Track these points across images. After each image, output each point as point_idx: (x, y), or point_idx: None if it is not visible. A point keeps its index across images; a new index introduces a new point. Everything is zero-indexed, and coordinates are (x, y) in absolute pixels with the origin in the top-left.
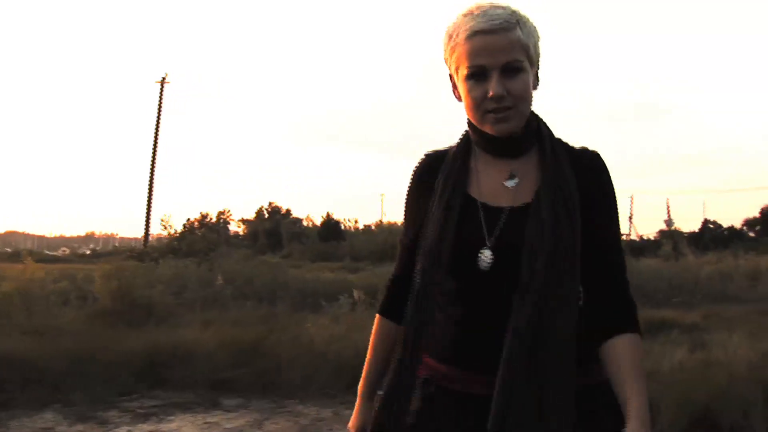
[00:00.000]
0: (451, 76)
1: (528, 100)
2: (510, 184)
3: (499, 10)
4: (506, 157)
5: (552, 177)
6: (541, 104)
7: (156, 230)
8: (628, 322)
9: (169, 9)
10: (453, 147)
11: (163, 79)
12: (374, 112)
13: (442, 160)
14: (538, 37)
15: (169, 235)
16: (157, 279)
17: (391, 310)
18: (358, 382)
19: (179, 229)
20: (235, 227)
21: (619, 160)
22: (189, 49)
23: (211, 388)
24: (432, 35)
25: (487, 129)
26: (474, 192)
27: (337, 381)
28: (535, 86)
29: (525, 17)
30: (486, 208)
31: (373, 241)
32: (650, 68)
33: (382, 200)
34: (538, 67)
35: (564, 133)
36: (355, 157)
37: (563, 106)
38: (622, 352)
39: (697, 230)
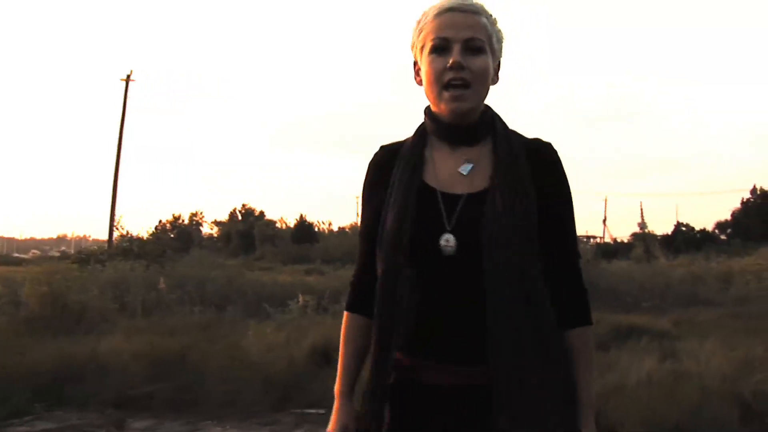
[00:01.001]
0: (415, 63)
1: (485, 83)
2: (465, 170)
3: (470, 0)
4: (462, 145)
5: (505, 163)
6: (517, 105)
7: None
8: (581, 314)
9: (137, 4)
10: (408, 139)
11: (128, 76)
12: (348, 115)
13: (397, 152)
14: (502, 37)
15: (122, 236)
16: (95, 283)
17: (357, 304)
18: (288, 398)
19: (139, 231)
20: (208, 229)
21: (593, 162)
22: (157, 47)
23: (119, 407)
24: (403, 38)
25: (443, 108)
26: (431, 180)
27: (265, 397)
28: (494, 81)
29: (491, 14)
30: (444, 195)
31: (346, 243)
32: (625, 71)
33: (356, 202)
34: (498, 64)
35: (538, 134)
36: (330, 160)
37: (537, 108)
38: (574, 346)
39: (669, 233)
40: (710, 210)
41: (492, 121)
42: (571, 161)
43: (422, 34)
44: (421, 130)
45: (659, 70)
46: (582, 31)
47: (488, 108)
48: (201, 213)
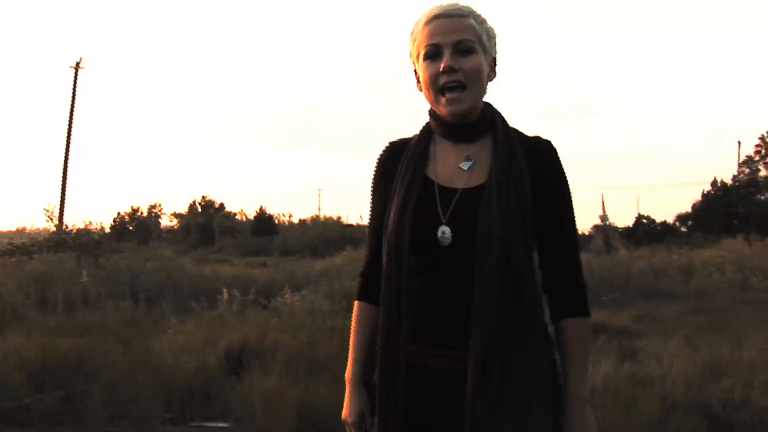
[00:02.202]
0: (415, 71)
1: (480, 81)
2: (465, 166)
3: (455, 4)
4: (462, 142)
5: (503, 160)
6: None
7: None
8: (574, 305)
9: None
10: (415, 135)
11: (78, 64)
12: (310, 107)
13: (404, 148)
14: (494, 34)
15: (56, 227)
16: (12, 277)
17: (366, 293)
18: (190, 410)
19: (91, 223)
20: (168, 221)
21: None
22: (113, 38)
23: None
24: (365, 29)
25: (442, 110)
26: (432, 175)
27: (163, 408)
28: (491, 77)
29: (479, 14)
30: (442, 189)
31: (307, 235)
32: (585, 67)
33: (319, 195)
34: (493, 60)
35: None
36: (293, 152)
37: (498, 103)
38: (568, 337)
39: (630, 225)
40: (671, 202)
41: (492, 118)
42: None
43: (416, 43)
44: (426, 128)
45: (619, 66)
46: (545, 33)
47: (489, 106)
48: (160, 205)
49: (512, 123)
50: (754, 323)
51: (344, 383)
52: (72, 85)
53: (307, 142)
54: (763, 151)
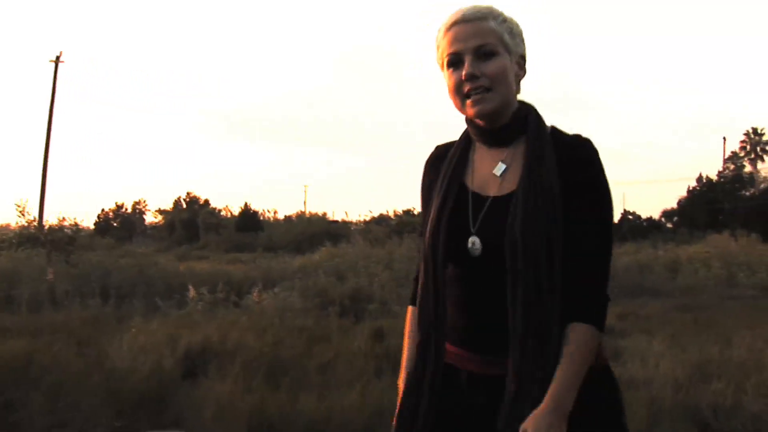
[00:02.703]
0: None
1: (504, 82)
2: (498, 171)
3: (474, 7)
4: (496, 146)
5: (532, 167)
6: None
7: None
8: (583, 312)
9: None
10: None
11: (58, 57)
12: (295, 102)
13: (447, 152)
14: (518, 30)
15: (29, 223)
16: None
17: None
18: (140, 418)
19: (74, 218)
20: (152, 218)
21: None
22: (91, 29)
23: None
24: (349, 22)
25: (469, 113)
26: (469, 182)
27: (110, 416)
28: (520, 75)
29: (499, 13)
30: (475, 197)
31: (292, 231)
32: (571, 63)
33: (305, 191)
34: (521, 58)
35: None
36: (279, 148)
37: None
38: (568, 340)
39: (616, 221)
40: (656, 198)
41: (525, 120)
42: None
43: (439, 51)
44: (465, 133)
45: (605, 63)
46: (532, 30)
47: (523, 105)
48: (144, 201)
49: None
50: (742, 320)
51: (305, 390)
52: (52, 79)
53: (294, 137)
54: (747, 147)
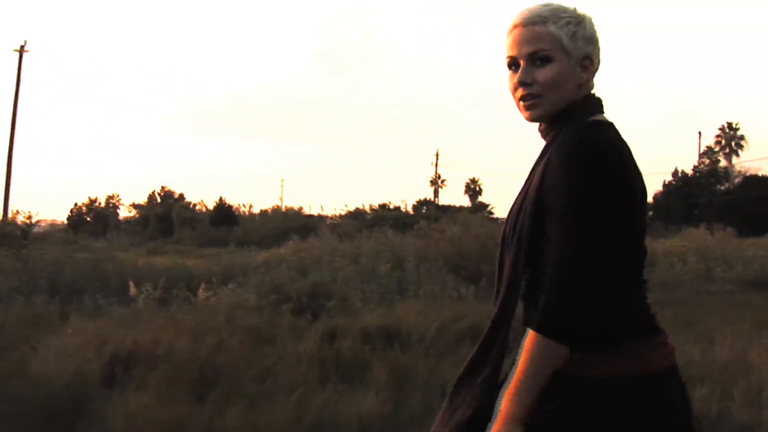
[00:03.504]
0: None
1: (556, 89)
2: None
3: (535, 9)
4: (545, 146)
5: (529, 174)
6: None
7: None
8: (532, 319)
9: None
10: None
11: (22, 47)
12: (270, 96)
13: None
14: (583, 33)
15: None
16: None
17: None
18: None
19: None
20: (126, 212)
21: (514, 144)
22: (58, 18)
23: None
24: (325, 16)
25: (523, 116)
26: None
27: (20, 427)
28: (582, 77)
29: (562, 15)
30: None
31: (267, 225)
32: None
33: (282, 185)
34: (586, 58)
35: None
36: (256, 143)
37: (455, 96)
38: (520, 345)
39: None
40: None
41: (559, 121)
42: (492, 144)
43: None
44: None
45: None
46: (491, 25)
47: (570, 106)
48: (118, 196)
49: (462, 105)
50: (722, 317)
51: (236, 401)
52: (17, 69)
53: (270, 131)
54: (723, 141)
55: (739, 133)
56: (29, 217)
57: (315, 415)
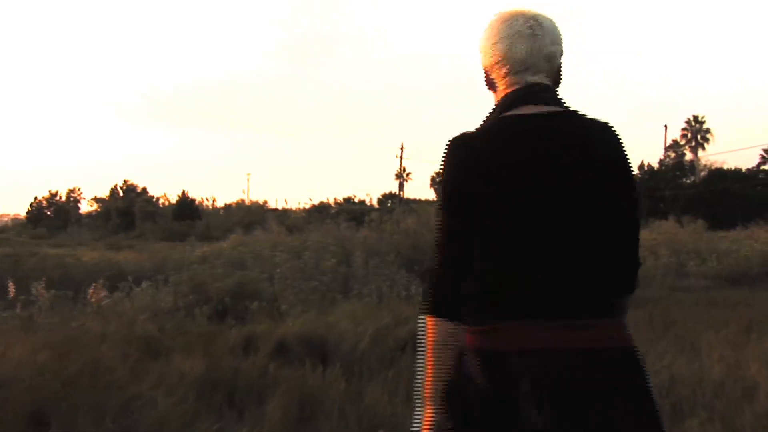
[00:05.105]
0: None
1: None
2: None
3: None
4: None
5: None
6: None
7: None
8: None
9: None
10: None
11: None
12: (234, 88)
13: None
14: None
15: None
16: None
17: None
18: None
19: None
20: (88, 206)
21: None
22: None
23: None
24: (291, 8)
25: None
26: None
27: None
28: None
29: (559, 34)
30: None
31: (230, 219)
32: None
33: (248, 179)
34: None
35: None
36: (222, 136)
37: (421, 88)
38: None
39: None
40: None
41: None
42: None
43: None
44: None
45: None
46: (470, 12)
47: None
48: (79, 189)
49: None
50: (702, 318)
51: None
52: None
53: (233, 123)
54: (689, 134)
55: (705, 126)
56: None
57: None
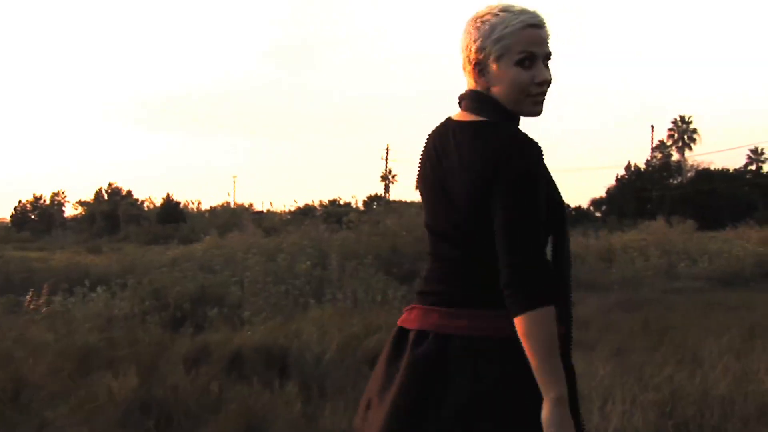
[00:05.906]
0: (477, 62)
1: None
2: None
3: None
4: None
5: None
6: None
7: None
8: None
9: None
10: None
11: None
12: (220, 92)
13: None
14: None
15: None
16: None
17: None
18: None
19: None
20: (72, 210)
21: None
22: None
23: None
24: (277, 10)
25: (524, 110)
26: None
27: None
28: None
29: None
30: None
31: (214, 222)
32: None
33: (234, 182)
34: None
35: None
36: (208, 138)
37: (414, 91)
38: None
39: None
40: (584, 187)
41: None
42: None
43: (501, 43)
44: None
45: None
46: (446, 19)
47: None
48: (63, 193)
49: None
50: (699, 322)
51: None
52: None
53: (217, 127)
54: (675, 135)
55: (691, 126)
56: None
57: None
